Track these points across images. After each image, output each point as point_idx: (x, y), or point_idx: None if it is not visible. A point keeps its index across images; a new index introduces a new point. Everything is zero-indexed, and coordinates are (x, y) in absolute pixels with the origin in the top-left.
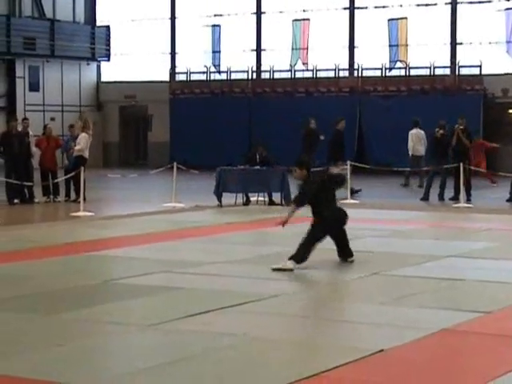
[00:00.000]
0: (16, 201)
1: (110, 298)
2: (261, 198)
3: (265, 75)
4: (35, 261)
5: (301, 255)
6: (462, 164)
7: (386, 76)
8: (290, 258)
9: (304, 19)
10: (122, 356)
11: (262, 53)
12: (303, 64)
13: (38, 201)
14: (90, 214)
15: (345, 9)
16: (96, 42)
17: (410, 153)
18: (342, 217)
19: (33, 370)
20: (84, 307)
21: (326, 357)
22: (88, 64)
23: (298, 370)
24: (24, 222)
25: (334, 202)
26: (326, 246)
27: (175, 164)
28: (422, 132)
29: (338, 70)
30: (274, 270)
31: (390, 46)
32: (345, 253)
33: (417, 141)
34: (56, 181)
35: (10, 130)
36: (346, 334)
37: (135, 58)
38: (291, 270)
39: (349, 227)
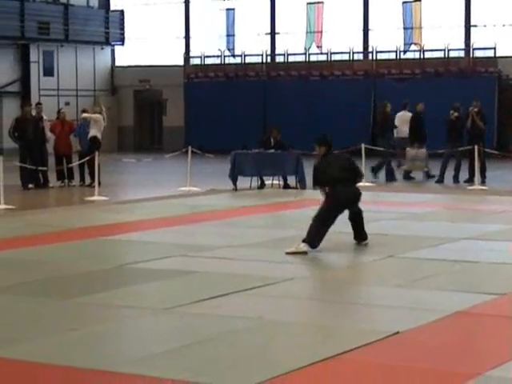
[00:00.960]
0: (30, 185)
1: (125, 283)
2: (275, 182)
3: (279, 59)
4: (50, 245)
5: (311, 236)
6: (476, 146)
7: (400, 59)
8: (304, 241)
9: (318, 2)
10: (136, 340)
11: (277, 36)
12: (317, 47)
13: (52, 185)
14: (104, 198)
15: None
16: (110, 27)
17: (396, 135)
18: (352, 198)
19: (47, 355)
20: (98, 292)
21: (342, 339)
22: (102, 48)
23: (314, 353)
24: (38, 206)
25: (350, 184)
26: (341, 229)
27: (190, 148)
28: (409, 114)
29: (353, 53)
30: (288, 253)
31: (404, 28)
32: (360, 236)
33: (403, 123)
34: (70, 165)
35: (24, 115)
36: (362, 317)
37: (149, 43)
38: (305, 252)
39: (364, 210)
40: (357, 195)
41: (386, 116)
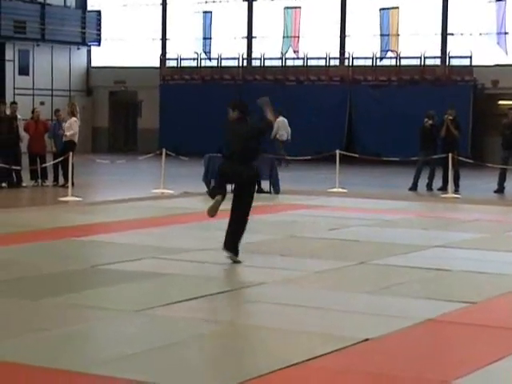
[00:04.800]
0: (4, 184)
1: (98, 284)
2: None
3: (255, 63)
4: (22, 245)
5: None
6: (450, 154)
7: (376, 65)
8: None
9: (295, 7)
10: (107, 342)
11: (253, 40)
12: (294, 52)
13: (25, 185)
14: (78, 199)
15: None
16: (87, 27)
17: (280, 138)
18: (238, 176)
19: (18, 355)
20: (71, 292)
21: (311, 345)
22: (78, 48)
23: (283, 358)
24: (11, 205)
25: (244, 161)
26: (315, 235)
27: (164, 150)
28: (286, 120)
29: (329, 58)
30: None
31: (381, 35)
32: (227, 242)
33: (283, 128)
34: (44, 165)
35: None
36: (331, 323)
37: (126, 44)
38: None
39: (336, 216)
40: (249, 176)
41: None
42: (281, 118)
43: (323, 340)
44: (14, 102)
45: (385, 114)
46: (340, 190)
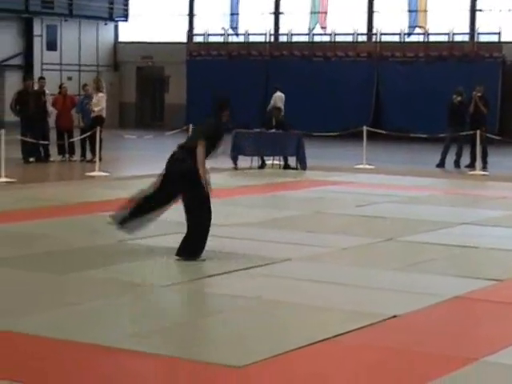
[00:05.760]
0: (31, 159)
1: (125, 258)
2: (276, 162)
3: (283, 38)
4: (49, 220)
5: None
6: (478, 131)
7: (404, 42)
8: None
9: None
10: (136, 316)
11: (281, 16)
12: (322, 28)
13: (53, 160)
14: (105, 174)
15: None
16: (114, 2)
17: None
18: (173, 173)
19: (47, 329)
20: (98, 267)
21: (340, 321)
22: (106, 24)
23: (312, 334)
24: (39, 180)
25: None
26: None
27: (191, 126)
28: (283, 95)
29: (357, 34)
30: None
31: (409, 11)
32: (180, 248)
33: (279, 102)
34: (72, 140)
35: (26, 89)
36: (359, 299)
37: (153, 19)
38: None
39: (363, 192)
40: (182, 172)
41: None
42: (278, 93)
43: (351, 316)
44: (41, 77)
45: (412, 90)
46: (367, 166)
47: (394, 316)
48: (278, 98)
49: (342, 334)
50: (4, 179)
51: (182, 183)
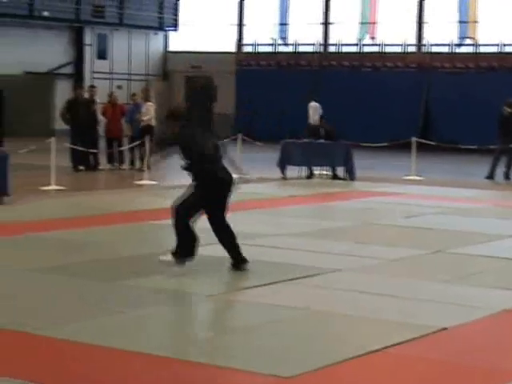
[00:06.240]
0: (81, 167)
1: (172, 267)
2: (324, 172)
3: (332, 49)
4: (98, 227)
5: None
6: None
7: (454, 53)
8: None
9: None
10: (182, 325)
11: (330, 26)
12: (371, 38)
13: (102, 168)
14: (153, 182)
15: None
16: (164, 12)
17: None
18: None
19: (94, 336)
20: (146, 275)
21: (389, 333)
22: (156, 33)
23: (361, 345)
24: (88, 188)
25: None
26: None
27: (240, 135)
28: (318, 105)
29: (406, 45)
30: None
31: (459, 22)
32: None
33: (315, 112)
34: (121, 148)
35: (76, 98)
36: (409, 311)
37: (202, 29)
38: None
39: (412, 204)
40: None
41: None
42: (313, 103)
43: (400, 328)
44: (92, 86)
45: (462, 101)
46: (416, 177)
47: (444, 328)
48: (313, 108)
49: (391, 345)
50: (54, 187)
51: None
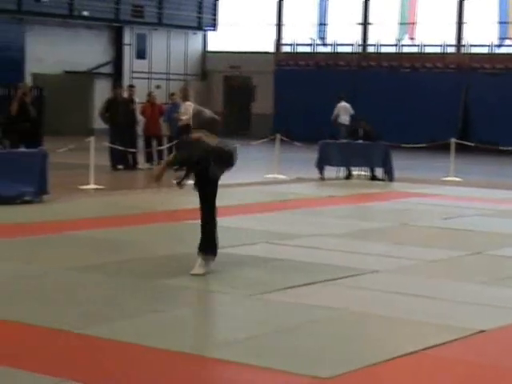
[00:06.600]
0: (120, 166)
1: (212, 267)
2: (363, 173)
3: (371, 49)
4: (136, 226)
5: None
6: None
7: (493, 53)
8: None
9: None
10: (222, 325)
11: (369, 26)
12: (410, 39)
13: (141, 167)
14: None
15: None
16: (203, 12)
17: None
18: None
19: (134, 335)
20: (183, 274)
21: (427, 334)
22: (194, 33)
23: (399, 347)
24: (127, 187)
25: None
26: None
27: (278, 135)
28: (348, 105)
29: (446, 45)
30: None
31: (499, 23)
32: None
33: (344, 112)
34: (160, 148)
35: (115, 97)
36: (447, 313)
37: (241, 29)
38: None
39: (450, 205)
40: None
41: None
42: (342, 103)
43: (438, 330)
44: (131, 85)
45: (502, 102)
46: (455, 178)
47: (482, 331)
48: (343, 108)
49: (429, 347)
50: (93, 186)
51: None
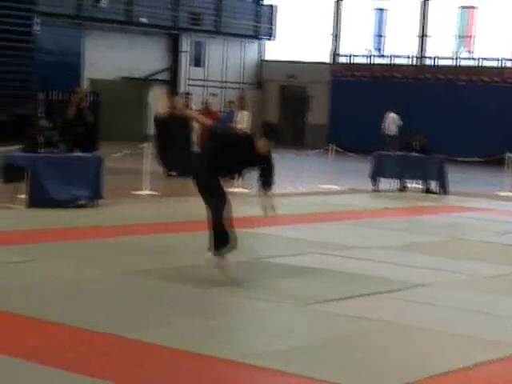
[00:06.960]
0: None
1: (261, 276)
2: (417, 185)
3: (427, 62)
4: (189, 233)
5: None
6: None
7: None
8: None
9: (471, 7)
10: (269, 334)
11: (426, 39)
12: (468, 52)
13: None
14: (245, 190)
15: None
16: (260, 21)
17: (388, 133)
18: None
19: (183, 342)
20: (234, 283)
21: (478, 350)
22: (251, 42)
23: (450, 362)
24: (180, 194)
25: None
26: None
27: (332, 146)
28: (396, 116)
29: (503, 60)
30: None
31: None
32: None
33: (392, 123)
34: None
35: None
36: (499, 329)
37: (298, 38)
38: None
39: (505, 220)
40: None
41: None
42: (392, 114)
43: (489, 346)
44: (188, 93)
45: None
46: (509, 193)
47: None
48: (392, 119)
49: (481, 363)
50: (147, 192)
51: None
